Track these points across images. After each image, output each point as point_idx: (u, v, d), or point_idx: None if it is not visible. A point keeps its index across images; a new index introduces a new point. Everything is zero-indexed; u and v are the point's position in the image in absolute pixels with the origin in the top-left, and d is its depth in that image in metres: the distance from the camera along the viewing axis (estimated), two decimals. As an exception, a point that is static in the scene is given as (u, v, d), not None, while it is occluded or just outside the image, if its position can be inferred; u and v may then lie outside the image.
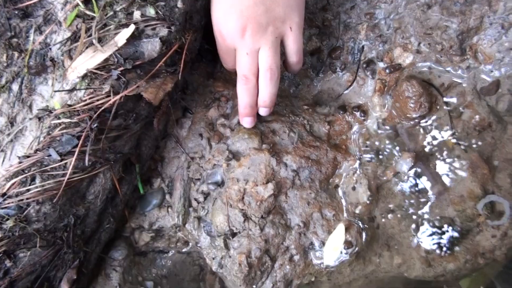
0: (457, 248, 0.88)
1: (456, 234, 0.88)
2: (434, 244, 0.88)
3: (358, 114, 0.93)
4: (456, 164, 0.89)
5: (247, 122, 0.88)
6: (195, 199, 0.90)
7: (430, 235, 0.89)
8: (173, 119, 0.90)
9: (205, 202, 0.90)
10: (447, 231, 0.88)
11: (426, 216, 0.89)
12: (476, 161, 0.88)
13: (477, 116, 0.88)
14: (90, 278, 0.88)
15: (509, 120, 0.90)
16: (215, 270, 0.88)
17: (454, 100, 0.90)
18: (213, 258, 0.88)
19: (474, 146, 0.89)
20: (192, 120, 0.91)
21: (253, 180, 0.85)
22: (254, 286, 0.85)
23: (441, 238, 0.88)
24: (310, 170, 0.88)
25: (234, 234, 0.85)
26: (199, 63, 0.93)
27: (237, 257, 0.84)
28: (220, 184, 0.89)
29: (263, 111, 0.88)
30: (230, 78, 0.95)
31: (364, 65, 0.93)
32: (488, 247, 0.87)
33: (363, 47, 0.93)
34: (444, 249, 0.88)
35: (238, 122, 0.90)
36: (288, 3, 0.79)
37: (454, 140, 0.89)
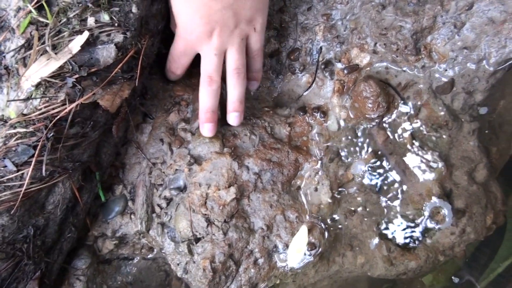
0: (418, 246, 0.89)
1: (416, 232, 0.89)
2: (395, 242, 0.90)
3: (318, 115, 0.93)
4: (415, 163, 0.90)
5: (208, 128, 0.86)
6: (158, 205, 0.89)
7: (392, 234, 0.90)
8: (132, 125, 0.89)
9: (168, 208, 0.89)
10: (408, 229, 0.89)
11: (387, 215, 0.90)
12: (434, 159, 0.89)
13: (433, 115, 0.90)
14: (53, 288, 0.86)
15: (465, 118, 0.92)
16: (180, 276, 0.88)
17: (411, 99, 0.91)
18: (178, 264, 0.87)
19: (432, 144, 0.91)
20: (152, 125, 0.91)
21: (215, 185, 0.85)
22: (219, 291, 0.85)
23: (402, 236, 0.90)
24: (272, 172, 0.88)
25: (197, 240, 0.85)
26: (157, 68, 0.92)
27: (201, 262, 0.83)
28: (182, 189, 0.88)
29: (234, 117, 0.88)
30: (190, 82, 0.94)
31: (323, 66, 0.94)
32: (447, 244, 0.88)
33: (321, 48, 0.94)
34: (406, 247, 0.89)
35: (199, 127, 0.90)
36: (255, 5, 0.80)
37: (412, 139, 0.90)
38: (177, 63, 0.87)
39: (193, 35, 0.80)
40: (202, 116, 0.85)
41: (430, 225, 0.89)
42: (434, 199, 0.88)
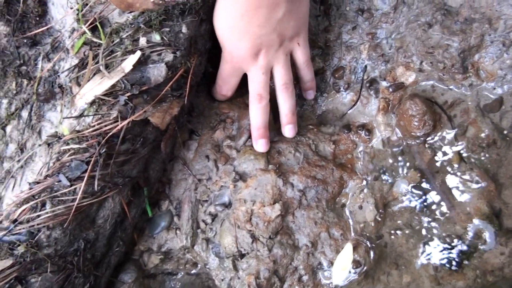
0: (466, 266, 0.87)
1: (464, 252, 0.88)
2: (442, 262, 0.88)
3: (363, 133, 0.93)
4: (462, 182, 0.89)
5: (261, 144, 0.88)
6: (203, 221, 0.90)
7: (439, 252, 0.88)
8: (180, 142, 0.90)
9: (213, 224, 0.90)
10: (456, 248, 0.88)
11: (434, 233, 0.89)
12: (482, 178, 0.88)
13: (481, 133, 0.89)
14: (100, 301, 0.88)
15: (514, 136, 0.91)
16: (224, 291, 0.88)
17: (458, 117, 0.90)
18: (222, 280, 0.88)
19: (480, 163, 0.89)
20: (198, 142, 0.92)
21: (260, 201, 0.85)
22: (263, 307, 0.86)
23: (449, 255, 0.88)
24: (317, 189, 0.88)
25: (242, 255, 0.85)
26: (204, 86, 0.94)
27: (246, 278, 0.84)
28: (227, 206, 0.89)
29: (289, 129, 0.90)
30: (235, 100, 0.95)
31: (368, 84, 0.94)
32: (497, 264, 0.86)
33: (365, 66, 0.94)
34: (453, 267, 0.88)
35: (244, 143, 0.91)
36: (297, 23, 0.83)
37: (459, 158, 0.89)
38: (227, 85, 0.89)
39: (239, 58, 0.82)
40: (255, 133, 0.87)
41: (477, 245, 0.88)
42: (476, 220, 0.87)
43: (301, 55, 0.88)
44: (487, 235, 0.87)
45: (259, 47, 0.80)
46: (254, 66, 0.83)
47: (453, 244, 0.88)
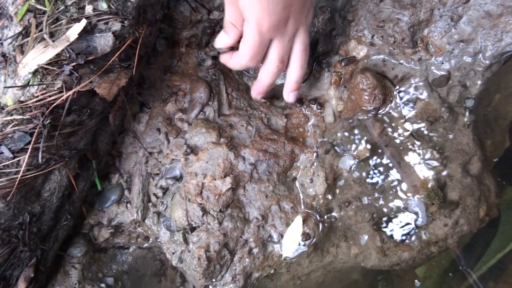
0: (411, 238, 0.89)
1: (410, 224, 0.90)
2: (389, 234, 0.90)
3: (314, 106, 0.93)
4: (410, 155, 0.90)
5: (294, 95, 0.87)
6: (154, 194, 0.90)
7: (386, 225, 0.90)
8: (129, 114, 0.89)
9: (164, 197, 0.89)
10: (402, 220, 0.90)
11: (381, 206, 0.91)
12: (429, 152, 0.90)
13: (429, 108, 0.90)
14: (49, 275, 0.87)
15: (460, 111, 0.92)
16: (175, 265, 0.88)
17: (407, 92, 0.91)
18: (173, 253, 0.88)
19: (427, 136, 0.91)
20: (149, 115, 0.91)
21: (211, 174, 0.85)
22: (213, 280, 0.86)
23: (395, 227, 0.90)
24: (268, 163, 0.88)
25: (193, 229, 0.85)
26: (156, 57, 0.92)
27: (196, 251, 0.84)
28: (178, 179, 0.89)
29: (293, 96, 0.87)
30: (187, 72, 0.94)
31: (320, 58, 0.94)
32: (440, 235, 0.89)
33: (318, 40, 0.94)
34: (399, 238, 0.90)
35: (196, 116, 0.90)
36: None
37: (408, 131, 0.91)
38: (258, 53, 0.80)
39: (271, 26, 0.75)
40: (294, 85, 0.86)
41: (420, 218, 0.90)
42: (420, 194, 0.89)
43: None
44: (419, 213, 0.89)
45: (290, 9, 0.74)
46: (282, 34, 0.78)
47: (400, 216, 0.90)
